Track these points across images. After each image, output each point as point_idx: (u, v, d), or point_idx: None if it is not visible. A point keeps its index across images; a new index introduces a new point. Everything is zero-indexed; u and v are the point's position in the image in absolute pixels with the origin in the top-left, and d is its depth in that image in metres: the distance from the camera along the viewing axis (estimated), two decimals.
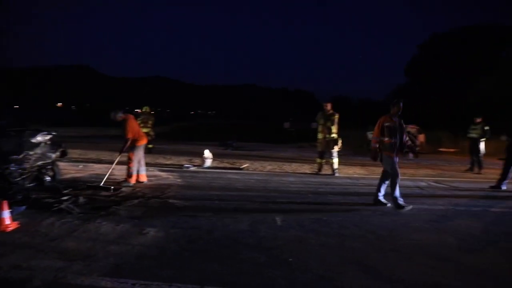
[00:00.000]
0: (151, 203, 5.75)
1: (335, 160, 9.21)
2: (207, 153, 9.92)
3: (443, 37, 41.87)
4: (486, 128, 10.85)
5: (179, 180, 7.81)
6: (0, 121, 6.94)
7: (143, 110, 13.22)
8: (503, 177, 8.17)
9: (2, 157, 5.78)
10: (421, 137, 20.02)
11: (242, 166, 10.01)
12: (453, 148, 19.40)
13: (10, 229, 4.25)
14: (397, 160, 5.89)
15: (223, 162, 10.79)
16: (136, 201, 5.80)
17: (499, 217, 5.80)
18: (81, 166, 9.41)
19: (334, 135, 9.09)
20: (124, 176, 7.15)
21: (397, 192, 5.80)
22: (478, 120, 11.02)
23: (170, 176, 8.19)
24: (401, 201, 5.80)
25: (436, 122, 27.07)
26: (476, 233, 4.80)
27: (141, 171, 7.31)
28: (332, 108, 9.25)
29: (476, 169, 11.07)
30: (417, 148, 18.32)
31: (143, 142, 7.32)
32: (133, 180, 7.06)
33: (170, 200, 5.91)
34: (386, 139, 5.81)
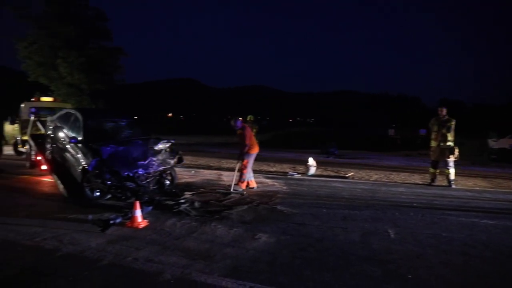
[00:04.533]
0: (259, 209, 5.92)
1: (452, 171, 8.39)
2: (311, 161, 9.90)
3: None
4: None
5: (284, 187, 7.92)
6: (129, 131, 7.89)
7: (248, 118, 13.75)
8: None
9: (132, 162, 6.55)
10: None
11: (347, 175, 9.74)
12: None
13: (141, 226, 4.78)
14: None
15: (327, 170, 10.65)
16: (245, 206, 6.04)
17: None
18: (193, 171, 10.16)
19: (450, 143, 8.31)
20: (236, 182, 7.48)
21: None
22: None
23: (276, 183, 8.36)
24: None
25: None
26: None
27: (251, 177, 7.63)
28: (448, 113, 8.47)
29: None
30: None
31: (256, 150, 7.63)
32: (243, 186, 7.36)
33: (278, 207, 6.03)
34: None
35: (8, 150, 12.64)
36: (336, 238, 4.49)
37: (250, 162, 7.51)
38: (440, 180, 8.75)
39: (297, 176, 9.63)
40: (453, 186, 8.35)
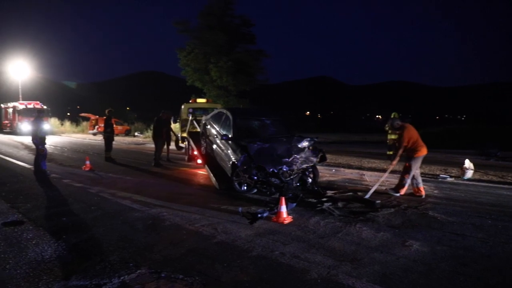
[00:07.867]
0: (408, 213, 5.46)
1: None
2: (467, 163, 8.71)
3: None
4: None
5: (436, 191, 7.16)
6: (273, 129, 8.20)
7: (392, 116, 12.92)
8: None
9: (277, 159, 6.79)
10: None
11: None
12: None
13: (286, 222, 4.91)
14: None
15: (488, 174, 9.20)
16: (392, 209, 5.65)
17: None
18: (333, 170, 10.04)
19: None
20: (393, 185, 7.02)
21: None
22: None
23: (425, 186, 7.59)
24: None
25: None
26: None
27: (420, 184, 6.76)
28: None
29: None
30: None
31: (423, 153, 6.70)
32: (402, 192, 6.74)
33: (430, 213, 5.46)
34: None
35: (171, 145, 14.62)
36: (510, 257, 3.80)
37: (414, 166, 6.63)
38: None
39: (449, 179, 8.59)
40: None
